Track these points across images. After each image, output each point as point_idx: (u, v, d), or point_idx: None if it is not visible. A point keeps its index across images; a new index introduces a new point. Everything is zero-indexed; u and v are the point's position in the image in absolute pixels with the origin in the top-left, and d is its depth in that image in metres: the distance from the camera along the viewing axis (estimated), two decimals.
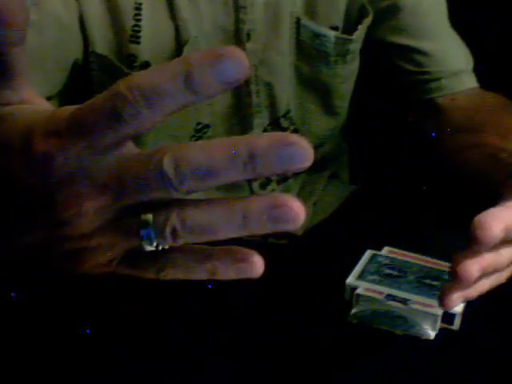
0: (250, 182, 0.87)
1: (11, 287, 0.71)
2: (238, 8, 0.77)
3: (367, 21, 0.84)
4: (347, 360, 0.60)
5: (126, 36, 0.75)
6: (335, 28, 0.82)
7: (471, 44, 0.98)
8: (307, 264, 0.78)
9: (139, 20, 0.74)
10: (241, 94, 0.82)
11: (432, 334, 0.63)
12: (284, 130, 0.86)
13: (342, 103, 0.89)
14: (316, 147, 0.91)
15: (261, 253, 0.87)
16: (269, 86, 0.82)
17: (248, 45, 0.79)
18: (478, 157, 0.79)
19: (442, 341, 0.63)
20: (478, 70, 0.95)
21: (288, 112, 0.86)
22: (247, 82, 0.81)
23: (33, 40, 0.73)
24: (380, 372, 0.59)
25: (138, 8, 0.74)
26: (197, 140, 0.83)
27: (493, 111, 0.87)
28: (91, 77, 0.78)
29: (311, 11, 0.81)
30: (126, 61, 0.76)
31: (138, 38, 0.75)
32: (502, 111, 0.86)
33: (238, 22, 0.78)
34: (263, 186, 0.88)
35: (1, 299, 0.70)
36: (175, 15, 0.76)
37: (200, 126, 0.82)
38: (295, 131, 0.87)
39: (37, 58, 0.74)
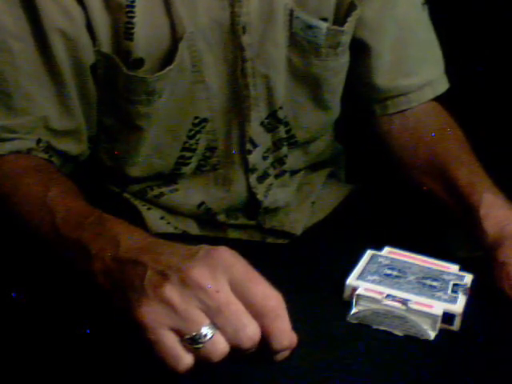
0: (247, 175, 0.87)
1: (11, 287, 0.71)
2: (233, 1, 0.77)
3: (356, 13, 0.84)
4: (347, 360, 0.60)
5: (121, 33, 0.75)
6: (325, 20, 0.83)
7: (470, 44, 0.98)
8: (307, 264, 0.78)
9: (132, 17, 0.74)
10: (238, 87, 0.82)
11: (432, 335, 0.63)
12: (280, 121, 0.86)
13: (333, 97, 0.90)
14: (309, 142, 0.92)
15: (260, 253, 0.87)
16: (266, 79, 0.82)
17: (244, 38, 0.79)
18: (446, 191, 0.85)
19: (442, 341, 0.63)
20: (477, 71, 0.95)
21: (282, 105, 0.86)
22: (244, 75, 0.81)
23: (48, 56, 0.75)
24: (380, 372, 0.59)
25: (131, 5, 0.74)
26: (194, 134, 0.83)
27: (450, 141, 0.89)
28: (97, 74, 0.78)
29: (302, 2, 0.81)
30: (122, 56, 0.76)
31: (131, 34, 0.75)
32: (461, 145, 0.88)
33: (233, 15, 0.78)
34: (260, 179, 0.88)
35: (1, 299, 0.70)
36: (170, 11, 0.76)
37: (198, 120, 0.83)
38: (287, 124, 0.87)
39: (54, 72, 0.76)
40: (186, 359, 0.52)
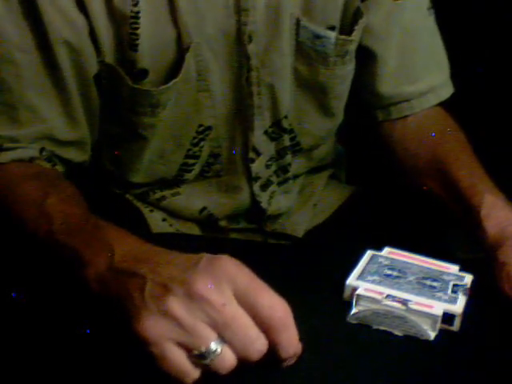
0: (250, 183, 0.87)
1: (11, 287, 0.71)
2: (239, 10, 0.77)
3: (362, 22, 0.83)
4: (347, 360, 0.60)
5: (125, 43, 0.75)
6: (332, 28, 0.82)
7: (470, 45, 0.98)
8: (307, 264, 0.78)
9: (136, 28, 0.74)
10: (242, 95, 0.81)
11: (432, 335, 0.63)
12: (285, 130, 0.86)
13: (339, 104, 0.89)
14: (313, 148, 0.91)
15: (261, 253, 0.87)
16: (270, 88, 0.82)
17: (250, 47, 0.78)
18: (447, 192, 0.84)
19: (442, 341, 0.63)
20: (477, 72, 0.95)
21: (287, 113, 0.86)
22: (249, 84, 0.81)
23: (53, 67, 0.74)
24: (380, 372, 0.59)
25: (135, 16, 0.73)
26: (198, 142, 0.83)
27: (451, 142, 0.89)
28: (101, 84, 0.78)
29: (309, 11, 0.80)
30: (127, 67, 0.76)
31: (136, 45, 0.74)
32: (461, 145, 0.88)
33: (239, 24, 0.77)
34: (264, 187, 0.88)
35: (1, 299, 0.70)
36: (177, 21, 0.75)
37: (202, 128, 0.82)
38: (291, 132, 0.87)
39: (59, 83, 0.75)
40: (194, 374, 0.52)
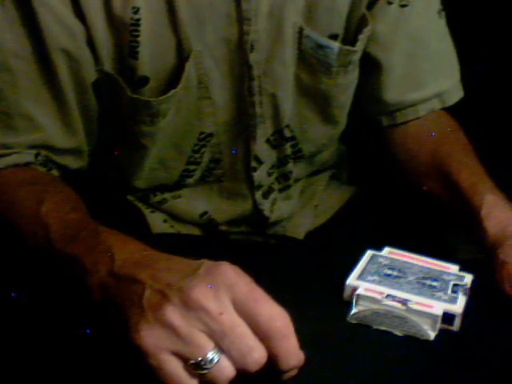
0: (252, 191, 0.87)
1: (11, 287, 0.71)
2: (241, 19, 0.76)
3: (367, 30, 0.82)
4: (347, 360, 0.60)
5: (125, 51, 0.74)
6: (335, 36, 0.81)
7: (469, 44, 0.98)
8: (307, 264, 0.78)
9: (137, 36, 0.73)
10: (244, 104, 0.81)
11: (432, 335, 0.63)
12: (287, 139, 0.85)
13: (341, 112, 0.88)
14: (315, 154, 0.91)
15: (262, 254, 0.87)
16: (272, 97, 0.81)
17: (252, 56, 0.78)
18: (448, 193, 0.84)
19: (442, 341, 0.63)
20: (477, 71, 0.95)
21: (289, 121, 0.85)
22: (251, 93, 0.80)
23: (50, 75, 0.73)
24: (380, 372, 0.59)
25: (135, 24, 0.73)
26: (200, 148, 0.83)
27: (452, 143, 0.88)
28: (100, 91, 0.77)
29: (312, 19, 0.79)
30: (127, 74, 0.75)
31: (136, 53, 0.74)
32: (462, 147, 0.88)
33: (241, 33, 0.76)
34: (265, 195, 0.87)
35: (1, 299, 0.70)
36: (177, 30, 0.75)
37: (203, 136, 0.82)
38: (293, 139, 0.86)
39: (56, 91, 0.75)
40: None
